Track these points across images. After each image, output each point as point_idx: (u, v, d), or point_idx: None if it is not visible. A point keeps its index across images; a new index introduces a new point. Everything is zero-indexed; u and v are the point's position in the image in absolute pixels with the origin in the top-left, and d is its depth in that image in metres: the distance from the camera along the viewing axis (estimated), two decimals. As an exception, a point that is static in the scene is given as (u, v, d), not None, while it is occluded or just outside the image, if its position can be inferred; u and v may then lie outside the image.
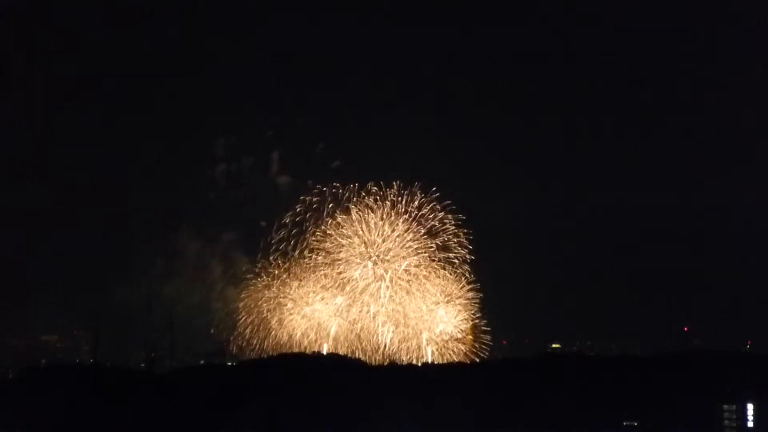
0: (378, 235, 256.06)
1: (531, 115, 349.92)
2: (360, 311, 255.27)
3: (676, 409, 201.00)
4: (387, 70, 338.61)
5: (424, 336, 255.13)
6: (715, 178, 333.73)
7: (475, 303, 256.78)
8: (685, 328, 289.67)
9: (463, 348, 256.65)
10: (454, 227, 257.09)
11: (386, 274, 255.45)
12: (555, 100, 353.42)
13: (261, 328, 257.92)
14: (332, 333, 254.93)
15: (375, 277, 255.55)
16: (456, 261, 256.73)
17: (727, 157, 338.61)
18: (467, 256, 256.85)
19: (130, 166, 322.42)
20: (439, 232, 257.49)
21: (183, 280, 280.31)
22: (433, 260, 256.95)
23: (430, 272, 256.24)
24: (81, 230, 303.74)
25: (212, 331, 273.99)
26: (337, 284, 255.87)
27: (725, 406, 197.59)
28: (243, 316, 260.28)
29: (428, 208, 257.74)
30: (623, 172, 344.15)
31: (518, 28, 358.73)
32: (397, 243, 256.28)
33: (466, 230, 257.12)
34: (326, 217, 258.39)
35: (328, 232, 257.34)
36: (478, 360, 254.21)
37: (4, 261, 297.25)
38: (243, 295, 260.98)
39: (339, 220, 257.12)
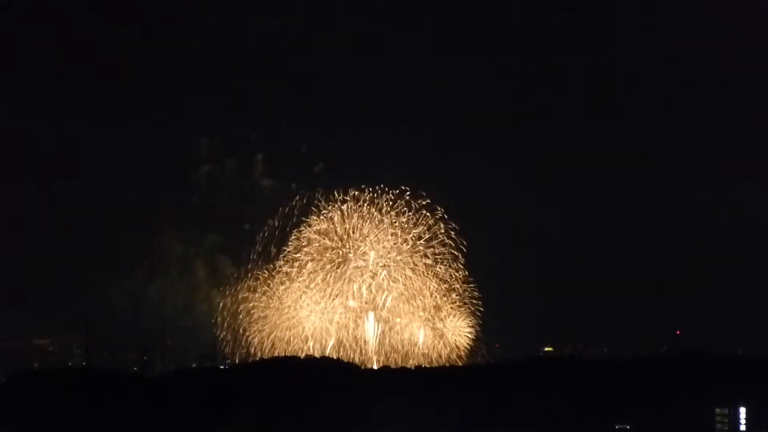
0: (363, 238, 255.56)
1: (526, 118, 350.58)
2: (348, 314, 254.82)
3: (669, 413, 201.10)
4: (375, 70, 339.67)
5: (420, 336, 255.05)
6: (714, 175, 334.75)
7: (467, 306, 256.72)
8: (677, 332, 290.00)
9: (455, 351, 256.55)
10: (443, 230, 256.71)
11: (372, 276, 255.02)
12: (556, 103, 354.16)
13: (251, 330, 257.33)
14: (322, 336, 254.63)
15: (362, 281, 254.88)
16: (447, 264, 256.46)
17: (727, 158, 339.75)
18: (458, 265, 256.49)
19: (116, 169, 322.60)
20: (426, 235, 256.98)
21: (171, 284, 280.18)
22: (418, 259, 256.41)
23: (420, 275, 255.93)
24: (68, 234, 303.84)
25: (201, 333, 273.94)
26: (325, 287, 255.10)
27: (717, 410, 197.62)
28: (233, 319, 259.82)
29: (416, 210, 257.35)
30: (620, 173, 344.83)
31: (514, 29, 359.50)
32: (384, 246, 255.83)
33: (456, 233, 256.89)
34: (311, 221, 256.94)
35: (312, 236, 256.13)
36: (470, 363, 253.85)
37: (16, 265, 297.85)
38: (232, 298, 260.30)
39: (324, 225, 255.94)
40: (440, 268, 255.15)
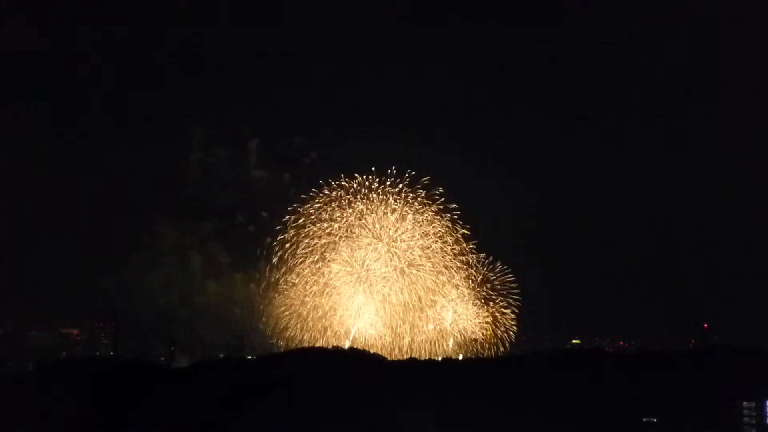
0: (383, 228, 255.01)
1: (542, 111, 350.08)
2: (377, 305, 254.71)
3: (696, 406, 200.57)
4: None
5: (448, 325, 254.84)
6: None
7: (495, 297, 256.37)
8: (705, 325, 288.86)
9: (482, 342, 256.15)
10: (450, 219, 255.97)
11: (395, 269, 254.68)
12: (564, 97, 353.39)
13: (277, 321, 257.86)
14: (350, 328, 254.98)
15: (387, 272, 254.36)
16: (473, 255, 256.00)
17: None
18: (482, 256, 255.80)
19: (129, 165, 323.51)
20: (443, 223, 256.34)
21: (197, 276, 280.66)
22: (449, 252, 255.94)
23: (446, 265, 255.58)
24: (88, 228, 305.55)
25: (229, 324, 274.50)
26: (350, 278, 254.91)
27: (744, 403, 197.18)
28: (261, 310, 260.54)
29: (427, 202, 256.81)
30: (643, 165, 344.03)
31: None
32: (406, 235, 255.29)
33: (469, 225, 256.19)
34: (321, 212, 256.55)
35: (328, 225, 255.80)
36: (497, 355, 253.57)
37: (25, 256, 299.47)
38: (261, 290, 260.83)
39: (340, 213, 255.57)
40: (463, 258, 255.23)
